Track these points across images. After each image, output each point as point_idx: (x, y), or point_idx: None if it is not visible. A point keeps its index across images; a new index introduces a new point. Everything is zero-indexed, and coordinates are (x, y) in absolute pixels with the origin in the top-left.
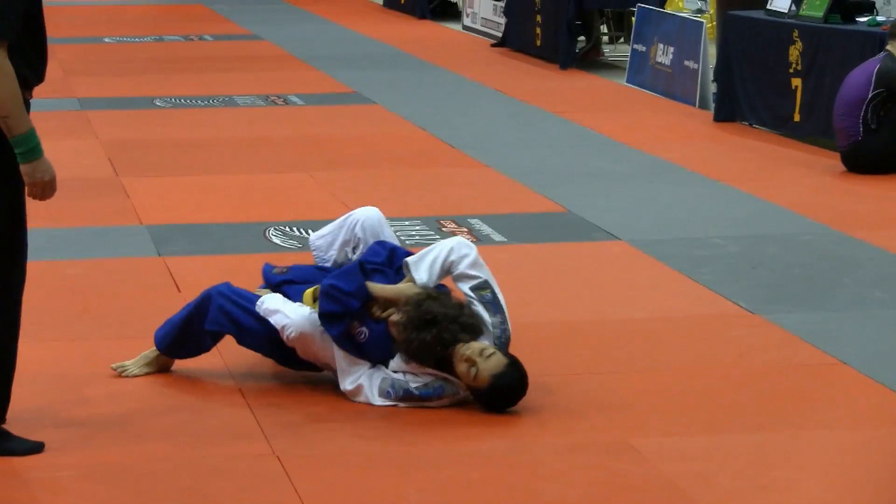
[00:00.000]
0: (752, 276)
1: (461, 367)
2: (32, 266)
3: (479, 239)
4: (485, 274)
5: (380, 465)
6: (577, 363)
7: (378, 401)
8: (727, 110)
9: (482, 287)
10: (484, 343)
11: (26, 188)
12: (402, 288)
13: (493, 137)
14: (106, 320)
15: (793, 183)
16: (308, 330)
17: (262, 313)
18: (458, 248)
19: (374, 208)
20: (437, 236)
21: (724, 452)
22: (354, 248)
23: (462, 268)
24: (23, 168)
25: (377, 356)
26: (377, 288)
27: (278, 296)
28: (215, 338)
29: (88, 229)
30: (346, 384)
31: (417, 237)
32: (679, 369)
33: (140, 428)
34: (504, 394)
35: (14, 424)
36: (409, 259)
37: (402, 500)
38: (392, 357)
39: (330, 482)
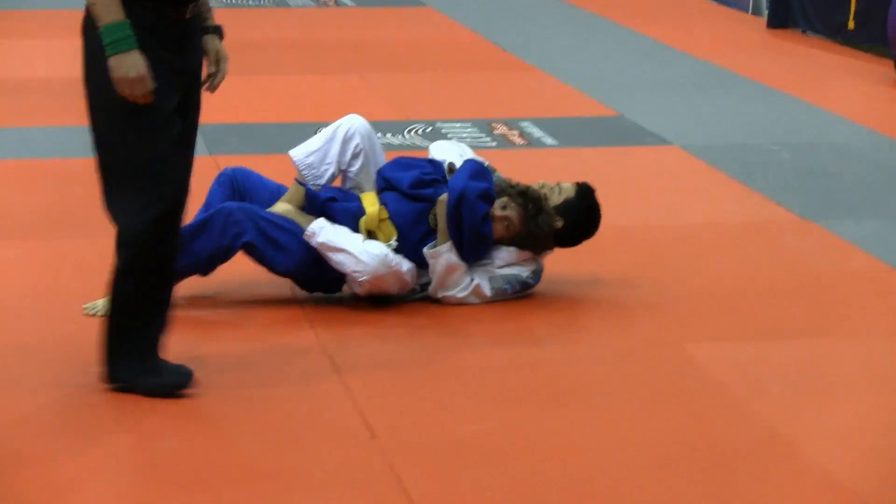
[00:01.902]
0: (805, 183)
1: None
2: (82, 163)
3: (529, 142)
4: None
5: (432, 372)
6: (630, 268)
7: (491, 297)
8: (781, 17)
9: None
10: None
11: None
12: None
13: (544, 42)
14: None
15: (847, 91)
16: (382, 271)
17: (317, 246)
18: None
19: (358, 116)
20: (489, 138)
21: (776, 359)
22: (354, 157)
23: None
24: (108, 62)
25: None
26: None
27: (338, 227)
28: (226, 256)
29: None
30: (457, 292)
31: (469, 139)
32: (732, 275)
33: (200, 328)
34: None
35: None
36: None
37: (456, 407)
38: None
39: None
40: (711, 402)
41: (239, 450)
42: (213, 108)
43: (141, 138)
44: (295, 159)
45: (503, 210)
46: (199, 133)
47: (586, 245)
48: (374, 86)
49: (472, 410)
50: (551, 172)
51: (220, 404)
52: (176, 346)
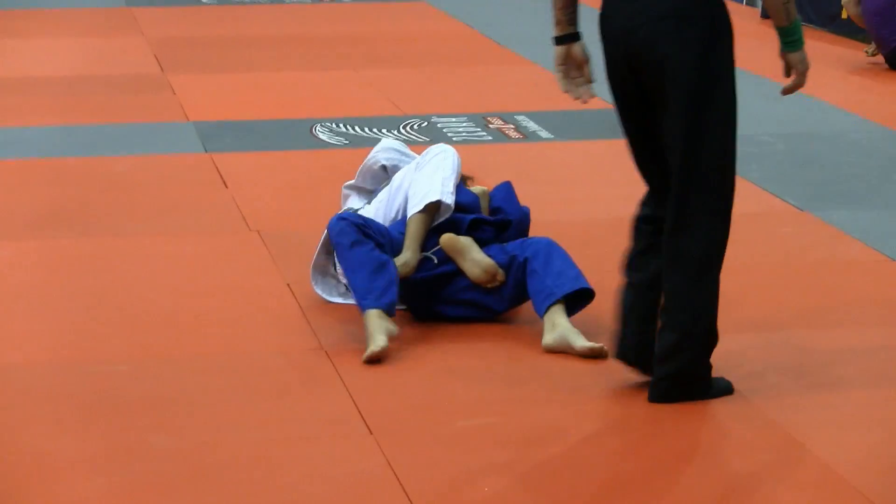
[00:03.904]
0: (800, 174)
1: None
2: (79, 162)
3: (526, 136)
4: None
5: (429, 367)
6: None
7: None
8: None
9: None
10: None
11: (794, 77)
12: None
13: (539, 35)
14: (154, 216)
15: (840, 81)
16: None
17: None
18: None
19: (387, 140)
20: (484, 132)
21: (772, 350)
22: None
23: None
24: (794, 57)
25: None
26: None
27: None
28: None
29: (136, 125)
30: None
31: (465, 133)
32: (728, 266)
33: (197, 321)
34: None
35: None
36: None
37: (453, 401)
38: None
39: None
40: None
41: (234, 446)
42: (208, 106)
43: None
44: (447, 202)
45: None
46: (193, 131)
47: (583, 237)
48: (369, 81)
49: (469, 405)
50: (547, 165)
51: (215, 401)
52: (167, 344)
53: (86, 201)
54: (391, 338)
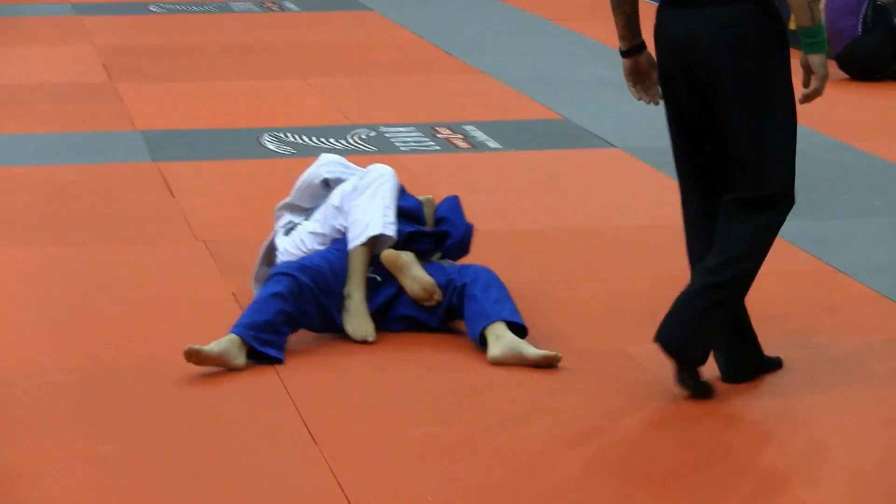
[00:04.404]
0: None
1: None
2: (26, 171)
3: (474, 146)
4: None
5: (375, 376)
6: (573, 270)
7: None
8: None
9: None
10: None
11: (814, 83)
12: None
13: (488, 44)
14: (100, 225)
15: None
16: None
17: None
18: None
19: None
20: (432, 142)
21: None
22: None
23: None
24: (815, 59)
25: None
26: None
27: None
28: None
29: (83, 135)
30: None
31: (413, 143)
32: (676, 277)
33: (143, 330)
34: None
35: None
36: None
37: (400, 410)
38: None
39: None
40: (656, 401)
41: (178, 456)
42: (155, 115)
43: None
44: (389, 234)
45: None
46: (140, 140)
47: (531, 247)
48: (317, 90)
49: (416, 414)
50: (496, 175)
51: (158, 408)
52: (113, 354)
53: (32, 210)
54: (224, 353)
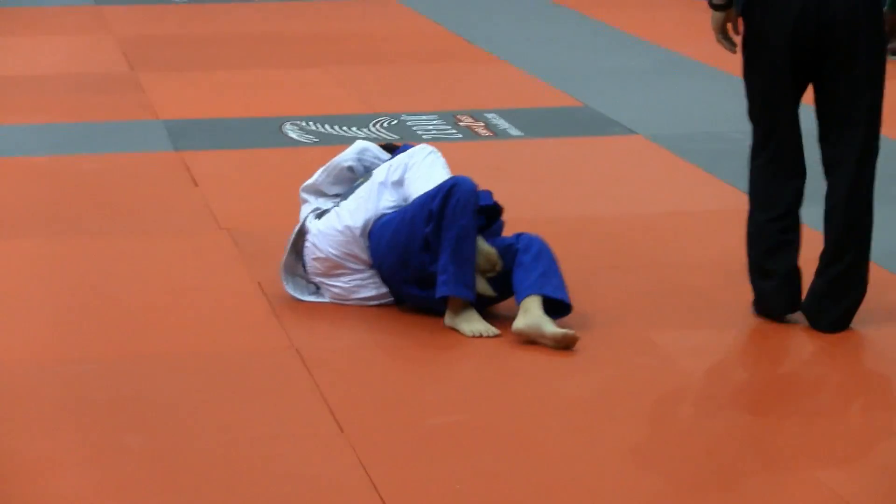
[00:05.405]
0: None
1: None
2: (48, 161)
3: (495, 133)
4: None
5: (399, 365)
6: (596, 258)
7: None
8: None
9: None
10: None
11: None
12: None
13: (509, 33)
14: (123, 215)
15: None
16: None
17: None
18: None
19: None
20: (454, 130)
21: (741, 348)
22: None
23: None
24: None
25: None
26: None
27: None
28: None
29: (104, 124)
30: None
31: (435, 131)
32: (698, 264)
33: (167, 320)
34: None
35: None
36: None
37: (424, 399)
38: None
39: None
40: (677, 391)
41: (205, 446)
42: (177, 104)
43: None
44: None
45: None
46: (163, 129)
47: (552, 234)
48: (338, 79)
49: (440, 403)
50: (517, 163)
51: (186, 401)
52: (138, 344)
53: (55, 201)
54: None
